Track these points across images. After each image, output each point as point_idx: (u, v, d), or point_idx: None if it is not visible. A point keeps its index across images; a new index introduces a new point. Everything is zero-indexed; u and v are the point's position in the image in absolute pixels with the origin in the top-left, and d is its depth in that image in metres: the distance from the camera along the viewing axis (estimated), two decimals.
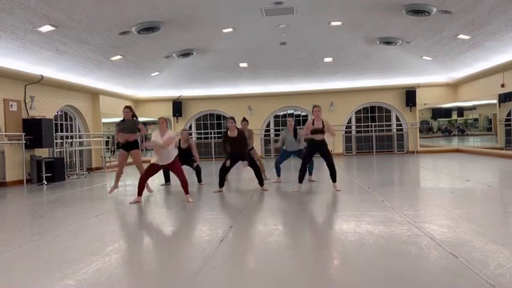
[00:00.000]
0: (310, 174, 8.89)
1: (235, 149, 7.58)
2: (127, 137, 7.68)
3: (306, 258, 3.70)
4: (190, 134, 17.94)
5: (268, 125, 17.93)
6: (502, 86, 12.80)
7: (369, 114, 17.42)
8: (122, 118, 7.85)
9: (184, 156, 8.78)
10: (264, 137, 17.70)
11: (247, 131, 8.78)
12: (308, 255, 3.80)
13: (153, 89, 16.92)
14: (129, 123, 7.77)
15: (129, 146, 7.73)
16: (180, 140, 8.96)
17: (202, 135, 18.20)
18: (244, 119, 9.09)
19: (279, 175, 9.08)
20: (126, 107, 7.88)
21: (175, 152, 7.01)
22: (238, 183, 9.31)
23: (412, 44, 11.62)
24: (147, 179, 7.06)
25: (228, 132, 7.68)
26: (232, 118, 7.72)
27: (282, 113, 17.91)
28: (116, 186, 7.97)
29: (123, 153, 7.79)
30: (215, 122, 18.34)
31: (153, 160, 6.91)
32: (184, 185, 6.87)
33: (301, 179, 7.51)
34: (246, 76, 15.79)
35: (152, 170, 6.93)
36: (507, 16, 8.72)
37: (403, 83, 16.59)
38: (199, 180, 9.09)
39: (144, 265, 3.63)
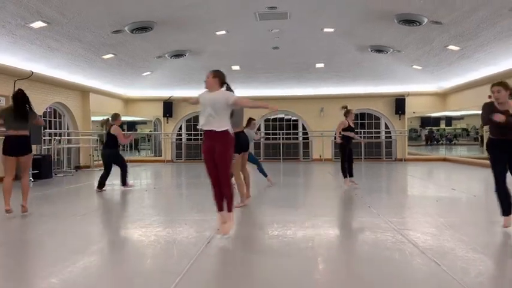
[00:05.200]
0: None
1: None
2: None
3: (288, 262, 3.72)
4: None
5: (258, 129, 17.94)
6: (489, 97, 12.99)
7: (359, 121, 17.53)
8: None
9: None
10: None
11: None
12: (291, 260, 3.82)
13: (144, 89, 16.83)
14: None
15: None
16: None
17: (193, 137, 18.15)
18: None
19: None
20: None
21: None
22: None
23: (403, 52, 11.77)
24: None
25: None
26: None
27: (272, 117, 17.96)
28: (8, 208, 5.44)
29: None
30: None
31: None
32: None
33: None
34: (238, 79, 15.77)
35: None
36: (496, 29, 8.89)
37: (393, 91, 16.72)
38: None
39: (129, 265, 3.62)
